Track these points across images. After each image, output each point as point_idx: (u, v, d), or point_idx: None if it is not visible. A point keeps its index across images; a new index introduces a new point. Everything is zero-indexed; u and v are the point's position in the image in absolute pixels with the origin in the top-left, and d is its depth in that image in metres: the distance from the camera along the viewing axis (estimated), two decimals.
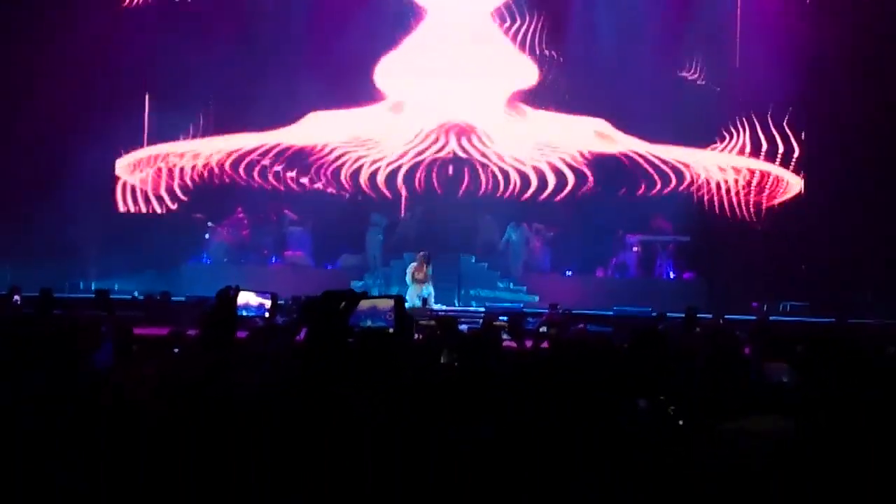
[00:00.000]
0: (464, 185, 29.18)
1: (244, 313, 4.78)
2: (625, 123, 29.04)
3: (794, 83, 26.95)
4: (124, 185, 29.70)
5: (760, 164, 29.21)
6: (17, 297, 18.69)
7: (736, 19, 29.72)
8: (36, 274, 22.60)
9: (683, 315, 17.33)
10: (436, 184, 29.23)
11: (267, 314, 4.89)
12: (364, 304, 4.06)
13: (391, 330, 4.29)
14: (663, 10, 28.65)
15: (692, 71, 29.95)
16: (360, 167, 29.23)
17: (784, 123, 29.00)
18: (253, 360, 5.68)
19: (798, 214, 28.24)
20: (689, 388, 5.16)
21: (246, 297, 4.75)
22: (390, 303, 4.22)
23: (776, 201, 29.12)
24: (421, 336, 8.88)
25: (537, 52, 30.45)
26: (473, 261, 28.13)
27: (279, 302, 4.96)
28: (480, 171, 29.15)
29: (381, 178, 29.16)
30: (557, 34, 29.92)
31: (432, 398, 4.28)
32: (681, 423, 4.42)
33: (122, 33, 28.27)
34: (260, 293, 4.85)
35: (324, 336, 3.88)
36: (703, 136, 29.19)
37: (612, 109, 28.90)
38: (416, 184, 29.18)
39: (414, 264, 24.27)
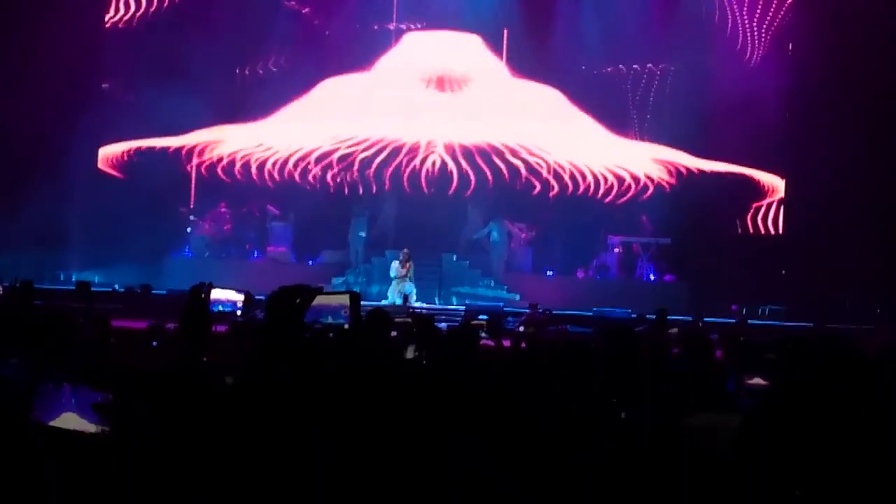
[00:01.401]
0: (451, 184, 29.11)
1: (220, 308, 4.83)
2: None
3: (777, 82, 27.24)
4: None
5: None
6: None
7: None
8: (17, 265, 22.54)
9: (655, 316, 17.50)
10: (420, 179, 29.18)
11: (239, 311, 4.93)
12: (323, 300, 4.08)
13: (346, 326, 4.32)
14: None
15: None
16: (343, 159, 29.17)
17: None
18: (231, 355, 5.73)
19: (780, 219, 28.34)
20: (661, 388, 5.22)
21: (220, 294, 4.79)
22: (346, 299, 4.25)
23: (757, 204, 29.18)
24: (397, 333, 8.91)
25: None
26: (455, 259, 28.13)
27: (258, 298, 5.00)
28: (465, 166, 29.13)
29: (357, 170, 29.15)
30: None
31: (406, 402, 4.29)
32: (633, 426, 4.46)
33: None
34: (234, 290, 4.89)
35: (279, 331, 3.91)
36: None
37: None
38: (398, 178, 29.12)
39: (397, 262, 24.40)
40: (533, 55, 30.00)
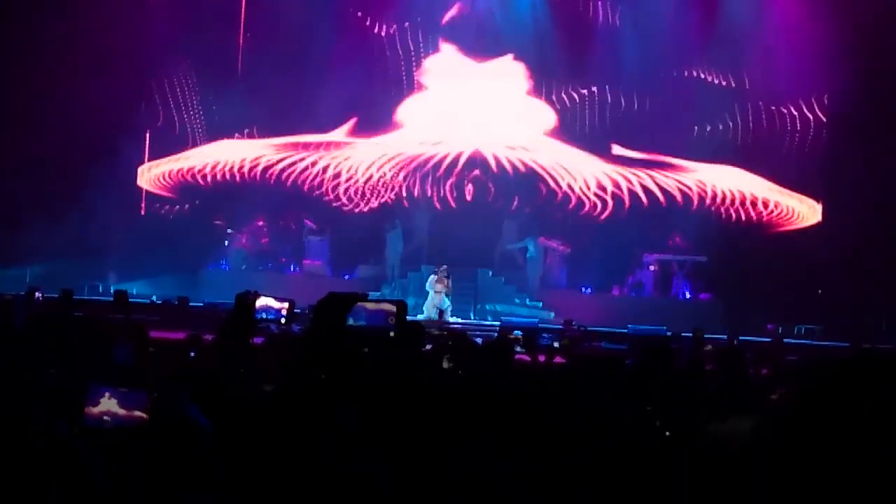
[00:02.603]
0: (488, 198, 29.20)
1: (263, 315, 4.92)
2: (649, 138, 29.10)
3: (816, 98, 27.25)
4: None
5: (776, 195, 29.07)
6: (38, 295, 18.79)
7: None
8: (55, 276, 22.76)
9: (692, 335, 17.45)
10: (452, 195, 29.30)
11: (284, 319, 5.00)
12: (368, 307, 4.15)
13: (392, 333, 4.36)
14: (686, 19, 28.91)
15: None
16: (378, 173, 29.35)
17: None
18: (268, 367, 5.79)
19: (816, 238, 28.21)
20: (696, 403, 5.23)
21: (265, 302, 4.88)
22: (393, 308, 4.29)
23: (787, 228, 29.04)
24: (431, 346, 8.99)
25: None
26: (490, 275, 28.17)
27: (296, 311, 5.05)
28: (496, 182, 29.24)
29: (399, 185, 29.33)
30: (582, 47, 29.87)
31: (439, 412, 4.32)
32: (667, 433, 4.48)
33: (150, 31, 28.57)
34: (278, 298, 4.96)
35: (324, 336, 3.97)
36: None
37: (636, 125, 29.04)
38: (434, 194, 29.23)
39: (434, 277, 24.43)
40: (570, 73, 30.13)
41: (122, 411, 4.38)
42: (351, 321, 4.03)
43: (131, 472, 4.01)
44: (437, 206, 29.00)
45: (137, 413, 4.37)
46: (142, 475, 3.99)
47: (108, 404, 4.41)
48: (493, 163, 29.21)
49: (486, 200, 29.02)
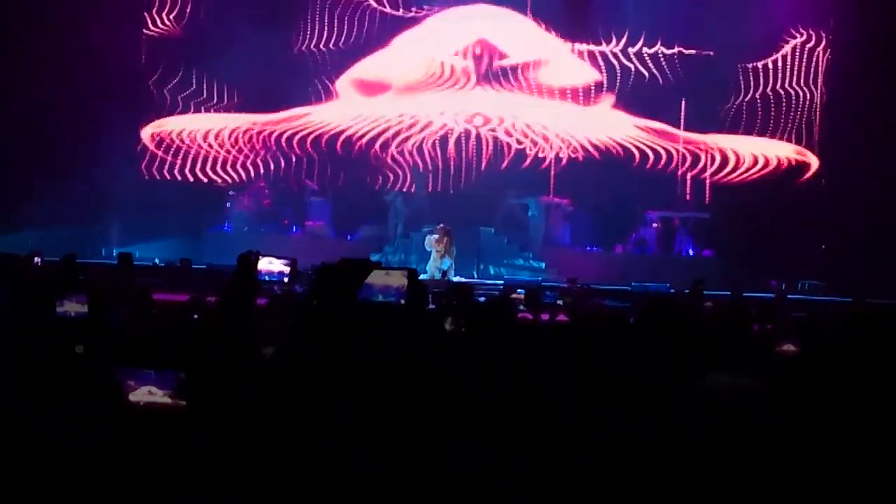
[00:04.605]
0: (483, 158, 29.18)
1: (266, 278, 4.86)
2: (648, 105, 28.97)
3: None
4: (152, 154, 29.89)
5: (780, 149, 29.01)
6: (37, 259, 18.74)
7: None
8: (57, 240, 22.73)
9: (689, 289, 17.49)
10: (454, 155, 29.27)
11: (286, 279, 4.95)
12: (377, 278, 4.08)
13: (403, 301, 4.28)
14: None
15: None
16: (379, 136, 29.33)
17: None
18: (271, 332, 5.77)
19: (819, 192, 28.17)
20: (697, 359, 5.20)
21: (267, 263, 4.83)
22: (404, 277, 4.22)
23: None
24: (435, 306, 8.97)
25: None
26: (493, 233, 28.12)
27: (299, 271, 5.00)
28: (502, 141, 29.22)
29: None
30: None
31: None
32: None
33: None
34: (280, 258, 4.92)
35: (332, 306, 3.93)
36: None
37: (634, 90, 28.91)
38: (433, 154, 29.22)
39: (434, 236, 24.28)
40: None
41: (162, 398, 4.27)
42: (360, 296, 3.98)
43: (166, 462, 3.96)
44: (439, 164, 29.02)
45: (175, 398, 4.27)
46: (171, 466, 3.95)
47: (147, 389, 4.30)
48: (494, 118, 29.26)
49: (488, 158, 29.01)
